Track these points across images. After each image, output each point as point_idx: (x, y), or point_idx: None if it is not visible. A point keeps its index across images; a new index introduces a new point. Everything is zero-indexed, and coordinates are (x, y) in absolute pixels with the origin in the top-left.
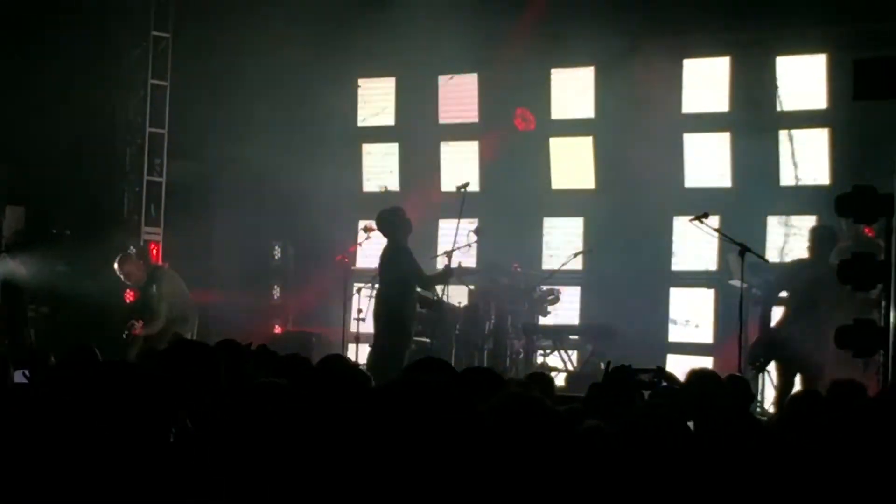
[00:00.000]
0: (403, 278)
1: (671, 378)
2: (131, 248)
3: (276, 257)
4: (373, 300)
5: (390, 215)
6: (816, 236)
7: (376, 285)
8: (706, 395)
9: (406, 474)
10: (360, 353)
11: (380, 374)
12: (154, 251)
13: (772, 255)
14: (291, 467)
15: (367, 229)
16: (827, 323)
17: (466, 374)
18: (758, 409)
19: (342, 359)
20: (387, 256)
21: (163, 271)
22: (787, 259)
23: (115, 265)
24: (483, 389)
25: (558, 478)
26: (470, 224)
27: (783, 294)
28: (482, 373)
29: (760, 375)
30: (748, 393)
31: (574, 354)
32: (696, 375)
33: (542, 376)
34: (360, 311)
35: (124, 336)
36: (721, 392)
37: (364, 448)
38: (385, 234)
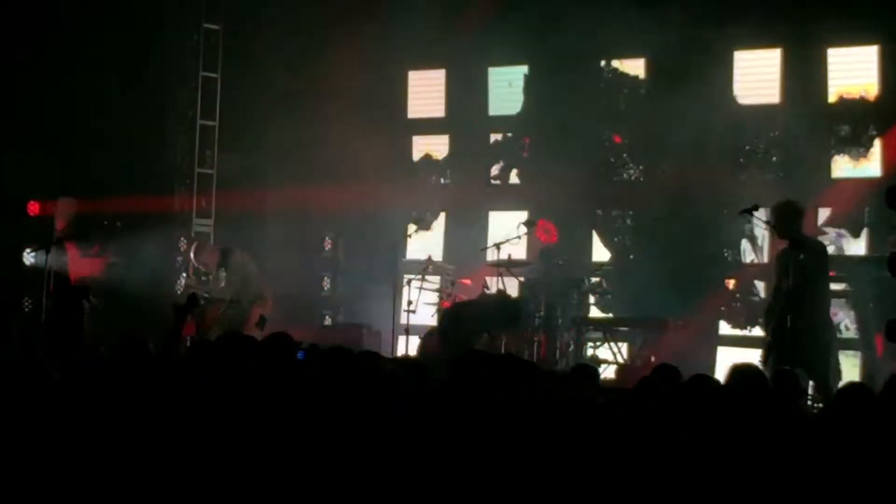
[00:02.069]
0: None
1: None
2: (182, 239)
3: (327, 248)
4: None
5: None
6: (780, 213)
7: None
8: (748, 392)
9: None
10: (410, 345)
11: None
12: None
13: None
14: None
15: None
16: (816, 314)
17: (502, 361)
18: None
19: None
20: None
21: (233, 255)
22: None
23: (192, 254)
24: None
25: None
26: (520, 216)
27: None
28: (514, 360)
29: None
30: (797, 388)
31: (624, 346)
32: (738, 371)
33: (587, 368)
34: (409, 302)
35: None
36: (763, 388)
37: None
38: None
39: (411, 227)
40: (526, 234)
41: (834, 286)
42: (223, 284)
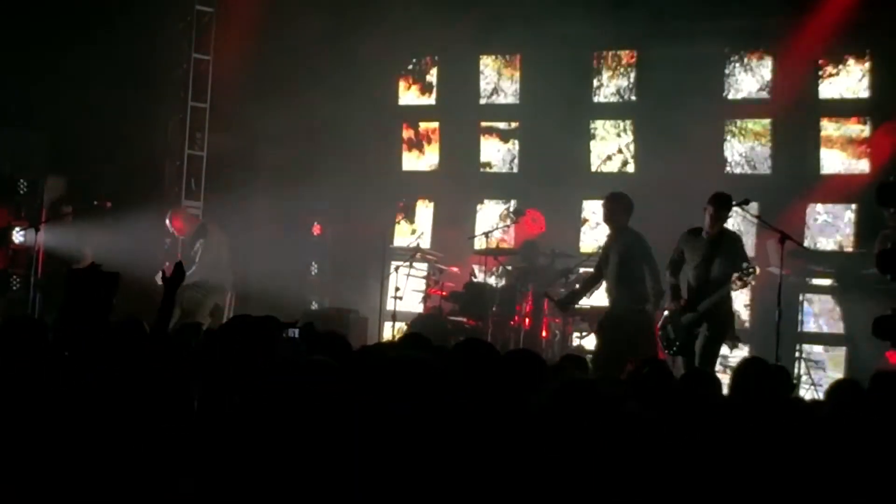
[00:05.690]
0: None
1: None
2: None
3: (315, 233)
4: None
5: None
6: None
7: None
8: (756, 382)
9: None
10: (396, 331)
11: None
12: None
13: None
14: (334, 446)
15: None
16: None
17: (509, 357)
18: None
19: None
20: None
21: (211, 228)
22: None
23: (167, 218)
24: (526, 372)
25: (607, 460)
26: (507, 205)
27: None
28: (525, 355)
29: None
30: (789, 382)
31: None
32: (749, 362)
33: (577, 358)
34: (397, 289)
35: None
36: (769, 379)
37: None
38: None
39: (399, 214)
40: (514, 223)
41: (819, 281)
42: (196, 261)
